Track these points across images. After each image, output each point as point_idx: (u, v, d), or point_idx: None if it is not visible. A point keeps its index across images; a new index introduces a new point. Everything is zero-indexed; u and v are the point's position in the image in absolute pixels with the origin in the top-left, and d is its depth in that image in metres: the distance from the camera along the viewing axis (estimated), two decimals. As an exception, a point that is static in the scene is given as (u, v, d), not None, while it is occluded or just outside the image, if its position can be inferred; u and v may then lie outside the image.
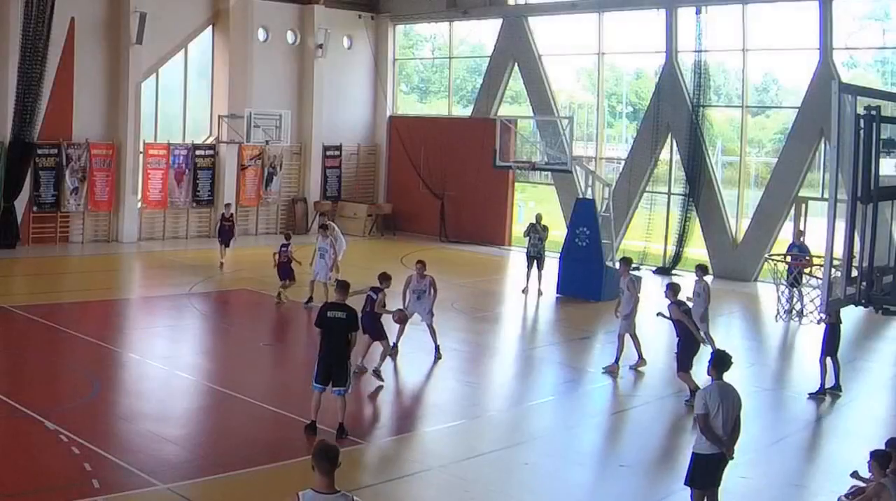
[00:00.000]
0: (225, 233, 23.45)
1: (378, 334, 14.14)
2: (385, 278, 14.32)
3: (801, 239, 20.80)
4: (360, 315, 11.88)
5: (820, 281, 11.66)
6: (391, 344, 14.58)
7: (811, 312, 19.09)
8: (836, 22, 22.96)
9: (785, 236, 24.06)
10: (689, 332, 13.44)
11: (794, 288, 19.34)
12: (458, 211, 30.23)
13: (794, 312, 19.41)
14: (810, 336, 18.72)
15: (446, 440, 11.68)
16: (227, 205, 24.62)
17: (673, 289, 13.71)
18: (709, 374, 8.81)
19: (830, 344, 13.90)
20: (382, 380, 13.76)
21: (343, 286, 11.64)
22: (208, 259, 23.92)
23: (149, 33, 25.90)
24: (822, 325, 14.25)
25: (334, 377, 11.12)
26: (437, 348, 15.35)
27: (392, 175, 32.48)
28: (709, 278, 16.66)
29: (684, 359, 13.46)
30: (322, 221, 22.87)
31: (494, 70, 29.68)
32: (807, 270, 19.24)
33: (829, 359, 13.96)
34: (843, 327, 14.05)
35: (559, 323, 19.35)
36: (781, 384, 15.17)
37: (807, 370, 16.59)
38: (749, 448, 10.21)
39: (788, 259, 19.98)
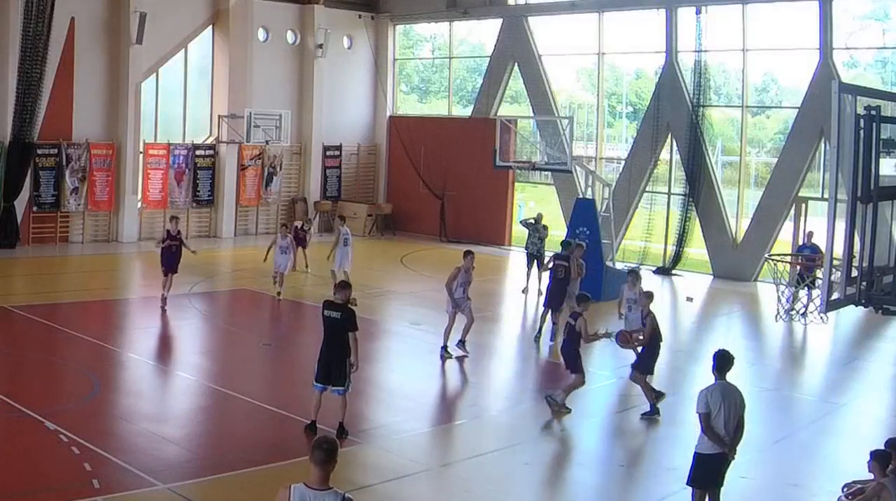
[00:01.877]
0: (171, 259, 18.24)
1: (574, 366, 12.76)
2: (583, 300, 12.99)
3: (812, 239, 20.71)
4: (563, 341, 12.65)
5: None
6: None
7: (812, 312, 19.12)
8: (836, 22, 22.96)
9: (785, 236, 24.07)
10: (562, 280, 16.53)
11: (810, 289, 19.29)
12: (458, 211, 30.22)
13: (795, 312, 19.41)
14: (813, 336, 18.77)
15: (446, 440, 11.69)
16: (175, 219, 19.33)
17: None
18: (713, 374, 8.82)
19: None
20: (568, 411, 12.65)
21: (343, 286, 11.54)
22: (208, 258, 23.89)
23: (149, 33, 25.90)
24: (825, 325, 14.24)
25: (332, 376, 11.11)
26: (462, 343, 15.32)
27: (392, 175, 32.48)
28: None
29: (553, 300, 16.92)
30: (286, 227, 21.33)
31: (494, 70, 29.68)
32: (818, 272, 19.19)
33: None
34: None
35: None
36: (781, 384, 15.17)
37: (807, 370, 16.62)
38: (749, 448, 10.20)
39: (800, 260, 19.94)
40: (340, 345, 11.07)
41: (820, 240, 18.71)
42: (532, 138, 24.56)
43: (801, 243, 21.47)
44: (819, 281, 18.98)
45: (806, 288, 19.37)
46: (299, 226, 23.57)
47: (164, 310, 17.80)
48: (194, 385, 13.68)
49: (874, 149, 8.70)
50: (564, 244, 17.87)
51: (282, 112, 28.26)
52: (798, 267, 19.60)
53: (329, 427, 11.16)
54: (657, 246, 26.05)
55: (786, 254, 21.45)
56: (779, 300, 19.59)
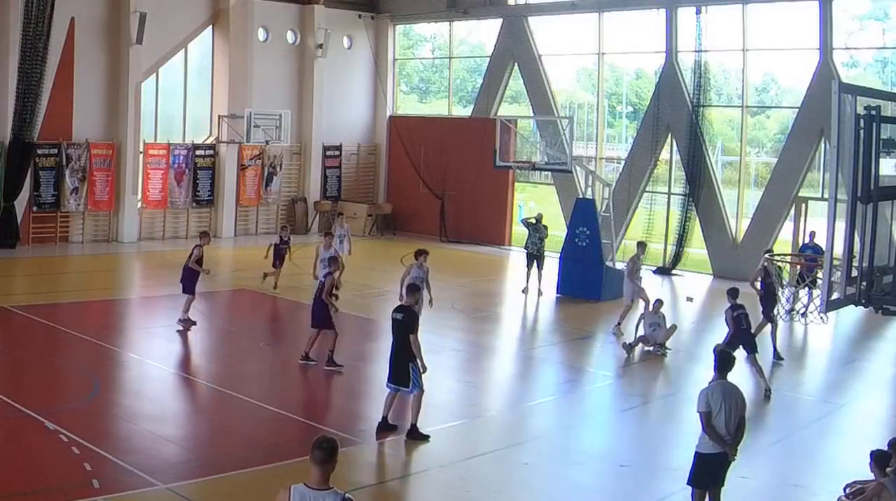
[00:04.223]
0: (187, 278, 16.63)
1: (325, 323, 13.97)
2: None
3: (814, 239, 20.71)
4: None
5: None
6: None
7: (812, 312, 19.12)
8: (836, 22, 22.96)
9: (785, 236, 24.07)
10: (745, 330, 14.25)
11: (810, 289, 19.29)
12: (458, 211, 30.22)
13: (795, 312, 19.40)
14: (813, 336, 18.77)
15: (446, 440, 11.67)
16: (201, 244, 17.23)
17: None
18: (714, 373, 8.82)
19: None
20: None
21: (410, 289, 11.85)
22: (208, 259, 23.82)
23: (149, 33, 25.90)
24: (825, 325, 14.37)
25: (398, 378, 11.39)
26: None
27: (392, 175, 32.48)
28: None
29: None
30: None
31: (494, 70, 29.68)
32: (819, 272, 19.19)
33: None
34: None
35: (559, 323, 19.34)
36: (781, 384, 15.16)
37: (807, 370, 16.61)
38: (749, 449, 10.21)
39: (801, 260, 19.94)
40: (402, 347, 11.35)
41: (820, 240, 18.72)
42: (532, 138, 24.57)
43: (802, 243, 21.45)
44: (820, 281, 19.00)
45: (806, 288, 19.36)
46: (279, 241, 20.51)
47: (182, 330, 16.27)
48: (194, 385, 13.68)
49: (874, 149, 8.70)
50: (732, 292, 14.66)
51: (282, 112, 28.26)
52: (798, 268, 19.59)
53: (329, 427, 11.19)
54: (657, 246, 26.04)
55: (786, 254, 21.44)
56: (779, 300, 19.57)
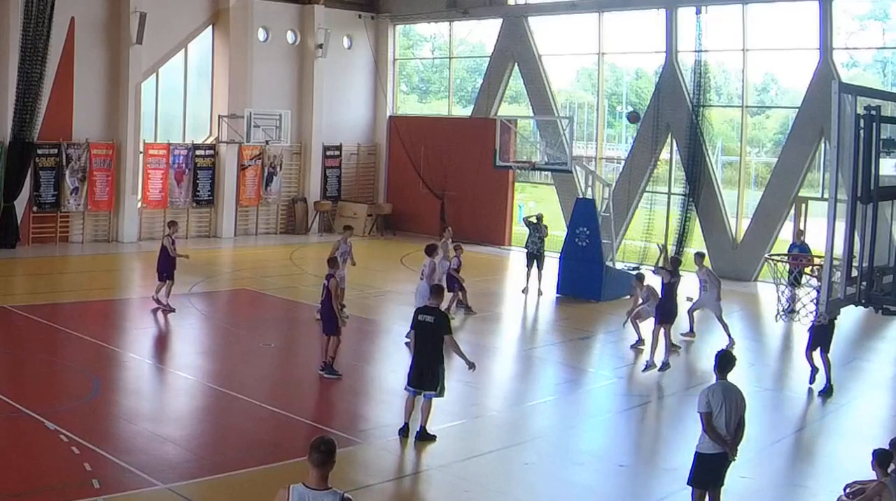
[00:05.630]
0: (169, 266, 18.13)
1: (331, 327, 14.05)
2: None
3: (802, 238, 20.78)
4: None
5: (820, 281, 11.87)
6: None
7: (804, 308, 19.09)
8: (836, 22, 22.97)
9: (785, 236, 24.07)
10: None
11: (795, 288, 19.31)
12: (458, 211, 30.21)
13: (795, 312, 19.40)
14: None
15: (446, 440, 11.67)
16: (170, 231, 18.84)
17: None
18: (714, 374, 8.83)
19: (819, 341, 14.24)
20: None
21: (436, 290, 11.59)
22: (208, 259, 23.89)
23: (149, 33, 25.90)
24: (810, 323, 14.58)
25: (425, 381, 11.17)
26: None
27: (392, 175, 32.49)
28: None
29: None
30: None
31: (494, 70, 29.68)
32: (807, 270, 19.21)
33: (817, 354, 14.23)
34: (836, 325, 14.38)
35: (559, 323, 19.34)
36: (781, 384, 15.18)
37: (807, 370, 16.62)
38: (749, 448, 10.21)
39: (787, 259, 19.97)
40: (433, 350, 11.14)
41: (819, 240, 18.72)
42: (532, 138, 24.58)
43: (791, 242, 21.51)
44: (805, 280, 19.03)
45: (812, 289, 19.33)
46: (453, 267, 18.71)
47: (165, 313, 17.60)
48: (194, 385, 13.67)
49: (874, 149, 8.69)
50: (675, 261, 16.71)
51: (282, 112, 28.26)
52: (793, 268, 19.60)
53: (329, 427, 11.18)
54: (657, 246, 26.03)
55: (784, 254, 21.46)
56: (779, 300, 19.58)
